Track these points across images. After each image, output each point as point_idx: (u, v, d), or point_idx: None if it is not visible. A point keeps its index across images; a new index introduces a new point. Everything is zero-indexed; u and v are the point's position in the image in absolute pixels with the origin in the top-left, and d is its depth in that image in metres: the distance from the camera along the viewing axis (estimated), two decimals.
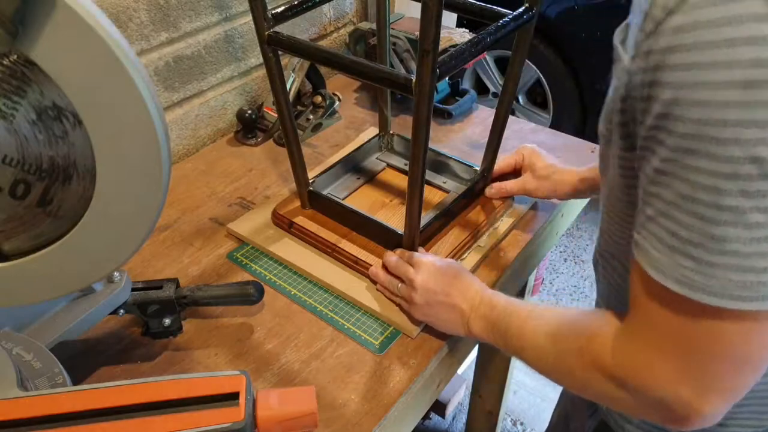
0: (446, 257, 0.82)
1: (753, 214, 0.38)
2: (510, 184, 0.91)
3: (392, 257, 0.78)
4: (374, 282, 0.80)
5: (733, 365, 0.44)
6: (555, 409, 0.97)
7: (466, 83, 2.57)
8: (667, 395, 0.47)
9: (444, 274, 0.72)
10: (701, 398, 0.45)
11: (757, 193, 0.38)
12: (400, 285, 0.75)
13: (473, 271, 0.84)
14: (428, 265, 0.73)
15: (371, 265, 0.81)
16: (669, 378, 0.46)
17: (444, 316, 0.71)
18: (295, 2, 0.76)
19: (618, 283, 0.63)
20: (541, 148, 0.91)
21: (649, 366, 0.47)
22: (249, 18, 1.09)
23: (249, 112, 1.09)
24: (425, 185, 0.76)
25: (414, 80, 0.62)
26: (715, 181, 0.39)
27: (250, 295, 0.73)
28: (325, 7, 1.27)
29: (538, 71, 2.37)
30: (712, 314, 0.42)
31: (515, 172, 0.93)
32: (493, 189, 0.92)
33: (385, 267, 0.79)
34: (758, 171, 0.37)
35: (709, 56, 0.37)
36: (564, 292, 2.16)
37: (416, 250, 0.80)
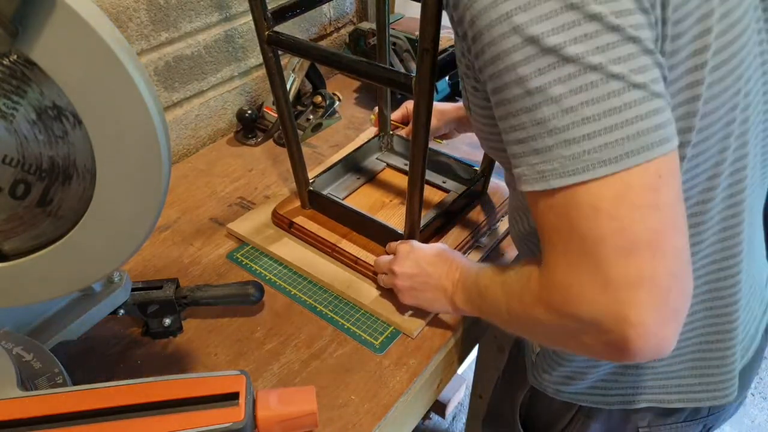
0: None
1: (553, 87, 0.41)
2: (406, 130, 0.97)
3: (380, 257, 0.79)
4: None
5: (618, 246, 0.42)
6: (488, 403, 0.98)
7: None
8: (593, 310, 0.44)
9: (423, 256, 0.72)
10: (620, 300, 0.42)
11: (547, 68, 0.41)
12: (382, 276, 0.76)
13: None
14: (405, 250, 0.74)
15: (371, 265, 0.81)
16: (584, 287, 0.44)
17: (429, 296, 0.71)
18: (295, 2, 0.76)
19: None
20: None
21: (568, 284, 0.45)
22: (249, 18, 1.09)
23: (249, 112, 1.09)
24: (425, 185, 0.76)
25: (414, 79, 0.62)
26: (515, 72, 0.42)
27: (250, 295, 0.73)
28: (325, 7, 1.27)
29: None
30: (567, 196, 0.43)
31: (407, 123, 0.98)
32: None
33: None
34: (538, 48, 0.41)
35: None
36: None
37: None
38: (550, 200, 0.44)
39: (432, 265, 0.71)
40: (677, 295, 0.43)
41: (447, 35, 1.13)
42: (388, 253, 0.79)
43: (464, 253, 0.86)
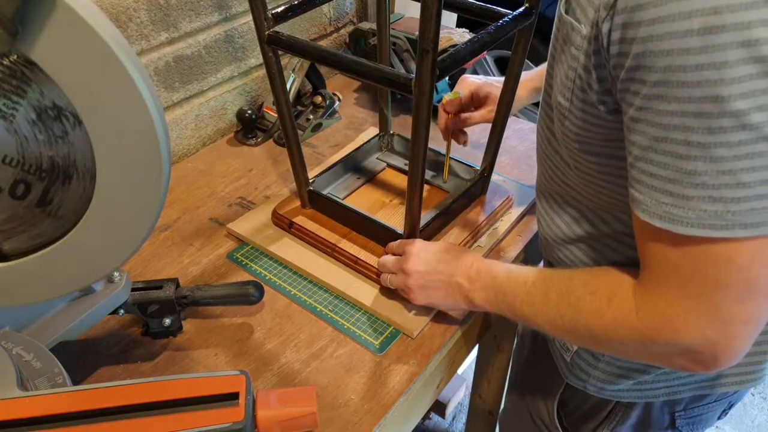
0: None
1: (717, 149, 0.42)
2: (475, 115, 0.91)
3: (384, 257, 0.78)
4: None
5: (740, 293, 0.45)
6: (507, 395, 0.98)
7: None
8: (694, 340, 0.48)
9: (433, 253, 0.72)
10: (725, 334, 0.47)
11: (719, 130, 0.41)
12: (390, 277, 0.76)
13: None
14: (415, 249, 0.73)
15: (371, 265, 0.81)
16: (693, 321, 0.47)
17: (442, 293, 0.71)
18: (295, 2, 0.76)
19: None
20: (478, 77, 0.91)
21: (674, 314, 0.48)
22: (249, 18, 1.09)
23: (249, 112, 1.09)
24: (425, 185, 0.76)
25: (414, 80, 0.62)
26: (683, 120, 0.42)
27: (250, 295, 0.73)
28: (325, 7, 1.27)
29: None
30: (699, 244, 0.45)
31: (467, 108, 0.93)
32: (459, 122, 0.90)
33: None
34: (718, 109, 0.41)
35: (671, 9, 0.41)
36: None
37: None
38: (674, 241, 0.46)
39: (443, 262, 0.71)
40: (766, 320, 0.48)
41: (447, 35, 1.13)
42: (388, 253, 0.79)
43: None
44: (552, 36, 0.59)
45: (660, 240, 0.48)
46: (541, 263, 0.83)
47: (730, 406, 0.77)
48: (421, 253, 0.73)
